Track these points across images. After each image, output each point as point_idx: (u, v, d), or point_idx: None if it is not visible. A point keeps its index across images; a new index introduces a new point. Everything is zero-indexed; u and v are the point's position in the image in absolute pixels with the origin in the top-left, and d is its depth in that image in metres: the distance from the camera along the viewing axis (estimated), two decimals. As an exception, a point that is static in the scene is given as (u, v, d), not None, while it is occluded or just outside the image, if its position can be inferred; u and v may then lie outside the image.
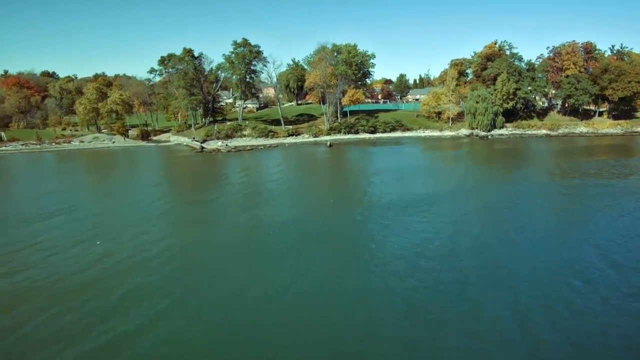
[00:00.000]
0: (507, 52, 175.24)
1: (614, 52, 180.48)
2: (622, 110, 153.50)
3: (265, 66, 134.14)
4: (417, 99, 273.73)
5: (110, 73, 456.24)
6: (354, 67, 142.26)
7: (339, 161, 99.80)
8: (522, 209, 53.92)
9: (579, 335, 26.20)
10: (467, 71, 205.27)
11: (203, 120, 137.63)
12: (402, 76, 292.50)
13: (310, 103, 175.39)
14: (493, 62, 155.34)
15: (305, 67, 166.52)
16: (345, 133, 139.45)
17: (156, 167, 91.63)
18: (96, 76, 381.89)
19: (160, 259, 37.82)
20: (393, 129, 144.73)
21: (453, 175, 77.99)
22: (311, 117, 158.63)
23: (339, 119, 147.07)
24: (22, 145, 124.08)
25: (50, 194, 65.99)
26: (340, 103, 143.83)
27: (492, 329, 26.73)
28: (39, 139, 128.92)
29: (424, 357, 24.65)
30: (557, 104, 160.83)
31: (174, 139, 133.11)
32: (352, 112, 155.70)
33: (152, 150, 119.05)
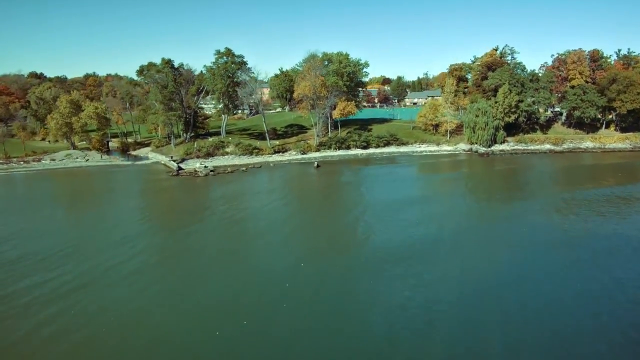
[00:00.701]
0: (509, 58, 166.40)
1: (620, 56, 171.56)
2: (630, 122, 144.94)
3: (250, 77, 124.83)
4: (414, 103, 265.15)
5: (101, 73, 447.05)
6: (346, 77, 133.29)
7: (325, 189, 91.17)
8: (526, 267, 47.66)
9: None
10: (467, 76, 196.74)
11: (184, 135, 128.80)
12: (399, 79, 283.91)
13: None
14: (494, 71, 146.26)
15: (295, 74, 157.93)
16: (335, 149, 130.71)
17: (124, 198, 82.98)
18: (86, 76, 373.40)
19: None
20: (387, 144, 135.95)
21: (453, 213, 69.62)
22: (301, 129, 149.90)
23: (329, 131, 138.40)
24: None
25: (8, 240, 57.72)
26: (331, 115, 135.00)
27: None
28: (6, 158, 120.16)
29: None
30: (561, 116, 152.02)
31: (152, 155, 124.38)
32: (345, 123, 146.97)
33: (126, 171, 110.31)
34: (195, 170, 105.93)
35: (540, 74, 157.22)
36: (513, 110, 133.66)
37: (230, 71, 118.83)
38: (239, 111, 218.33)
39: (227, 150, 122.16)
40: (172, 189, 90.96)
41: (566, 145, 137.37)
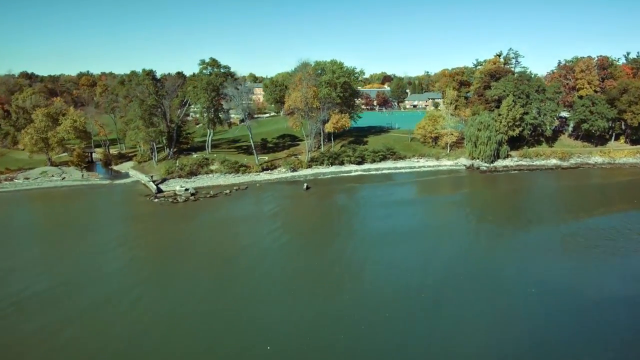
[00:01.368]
0: (513, 63, 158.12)
1: (629, 60, 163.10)
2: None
3: (237, 89, 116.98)
4: (415, 105, 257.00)
5: (96, 71, 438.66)
6: (339, 88, 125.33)
7: (313, 219, 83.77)
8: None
9: None
10: (469, 80, 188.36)
11: (167, 149, 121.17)
12: (399, 80, 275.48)
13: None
14: (497, 80, 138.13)
15: (286, 80, 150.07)
16: (328, 165, 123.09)
17: (90, 232, 75.69)
18: (80, 75, 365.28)
19: None
20: (384, 158, 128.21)
21: (449, 256, 62.91)
22: (293, 140, 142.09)
23: (322, 144, 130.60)
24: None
25: None
26: (324, 129, 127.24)
27: None
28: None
29: None
30: (567, 125, 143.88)
31: (133, 173, 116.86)
32: (339, 134, 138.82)
33: (102, 193, 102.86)
34: (176, 194, 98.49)
35: (546, 81, 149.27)
36: (517, 123, 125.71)
37: (215, 84, 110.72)
38: (232, 116, 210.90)
39: (212, 168, 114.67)
40: (145, 220, 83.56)
41: (573, 160, 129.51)
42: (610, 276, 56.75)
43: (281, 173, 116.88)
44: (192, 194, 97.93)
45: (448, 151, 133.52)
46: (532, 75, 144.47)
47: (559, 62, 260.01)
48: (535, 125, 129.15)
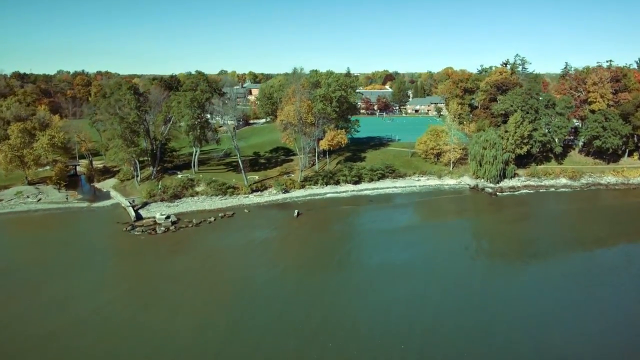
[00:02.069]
0: (520, 70, 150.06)
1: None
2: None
3: (226, 103, 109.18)
4: (416, 110, 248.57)
5: (92, 70, 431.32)
6: (335, 103, 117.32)
7: (303, 254, 76.40)
8: None
9: None
10: (473, 87, 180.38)
11: (151, 168, 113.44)
12: (401, 84, 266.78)
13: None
14: (504, 93, 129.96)
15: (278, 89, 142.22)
16: (323, 184, 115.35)
17: (47, 279, 68.33)
18: (75, 74, 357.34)
19: None
20: (382, 177, 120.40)
21: (449, 307, 55.77)
22: (287, 154, 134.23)
23: (317, 159, 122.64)
24: None
25: None
26: (318, 145, 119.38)
27: None
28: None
29: None
30: (578, 140, 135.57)
31: (114, 194, 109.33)
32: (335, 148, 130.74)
33: (77, 220, 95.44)
34: (156, 221, 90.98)
35: (554, 91, 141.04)
36: (525, 141, 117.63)
37: (200, 100, 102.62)
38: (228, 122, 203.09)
39: (198, 189, 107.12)
40: (118, 259, 76.27)
41: (585, 180, 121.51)
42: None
43: (272, 195, 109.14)
44: (173, 223, 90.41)
45: (451, 168, 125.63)
46: (538, 75, 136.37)
47: (567, 66, 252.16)
48: (544, 142, 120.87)
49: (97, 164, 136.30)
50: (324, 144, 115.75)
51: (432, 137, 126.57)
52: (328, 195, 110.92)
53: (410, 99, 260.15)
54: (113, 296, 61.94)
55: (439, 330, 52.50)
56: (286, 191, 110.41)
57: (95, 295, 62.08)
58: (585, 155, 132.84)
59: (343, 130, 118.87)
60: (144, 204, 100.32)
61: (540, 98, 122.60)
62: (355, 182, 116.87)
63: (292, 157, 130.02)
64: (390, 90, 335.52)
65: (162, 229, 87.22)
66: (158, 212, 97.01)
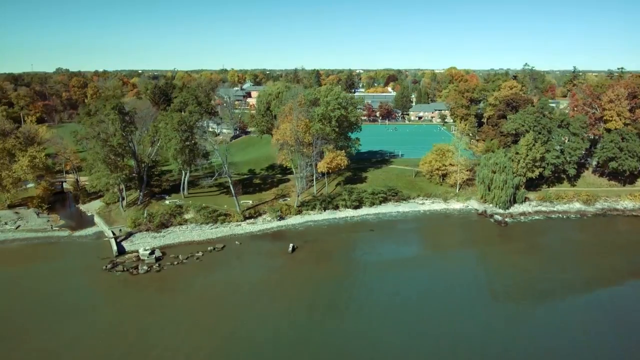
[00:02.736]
0: (529, 83, 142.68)
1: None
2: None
3: (219, 124, 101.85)
4: (420, 117, 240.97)
5: (91, 67, 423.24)
6: (334, 122, 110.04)
7: (297, 299, 69.54)
8: None
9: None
10: (479, 97, 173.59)
11: (138, 192, 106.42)
12: (404, 89, 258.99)
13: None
14: (514, 109, 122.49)
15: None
16: (321, 209, 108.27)
17: (17, 333, 61.82)
18: (70, 75, 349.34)
19: None
20: (384, 200, 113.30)
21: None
22: (284, 173, 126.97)
23: (314, 179, 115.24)
24: None
25: None
26: (316, 169, 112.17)
27: None
28: None
29: None
30: (592, 159, 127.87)
31: (97, 221, 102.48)
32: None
33: (57, 251, 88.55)
34: (139, 257, 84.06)
35: (569, 109, 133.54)
36: (537, 164, 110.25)
37: (189, 122, 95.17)
38: (224, 130, 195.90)
39: (187, 217, 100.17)
40: (91, 307, 69.28)
41: (599, 205, 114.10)
42: None
43: (266, 222, 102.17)
44: (158, 259, 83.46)
45: (457, 190, 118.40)
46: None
47: (575, 70, 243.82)
48: (557, 164, 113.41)
49: (84, 180, 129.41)
50: (322, 167, 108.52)
51: (438, 156, 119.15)
52: (326, 222, 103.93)
53: (414, 104, 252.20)
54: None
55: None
56: (282, 218, 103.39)
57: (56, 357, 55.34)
58: (599, 176, 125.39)
59: (342, 151, 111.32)
60: (128, 235, 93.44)
61: (553, 117, 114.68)
62: (356, 207, 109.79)
63: (288, 178, 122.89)
64: (392, 93, 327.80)
65: (145, 267, 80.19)
66: (143, 244, 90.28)
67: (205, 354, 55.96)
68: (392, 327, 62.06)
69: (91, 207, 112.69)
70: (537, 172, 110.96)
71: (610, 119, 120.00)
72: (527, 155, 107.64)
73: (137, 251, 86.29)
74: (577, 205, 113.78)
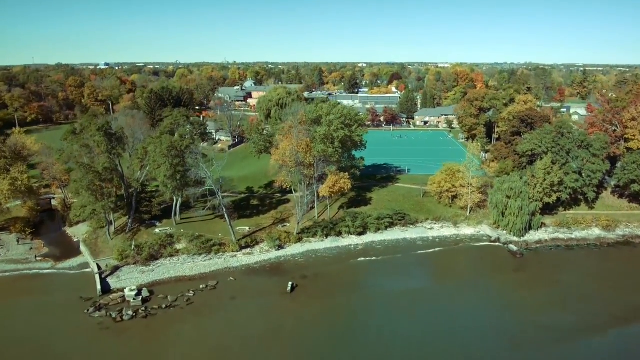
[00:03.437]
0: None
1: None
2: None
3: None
4: (426, 122, 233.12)
5: (92, 61, 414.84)
6: (337, 142, 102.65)
7: (296, 353, 62.68)
8: None
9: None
10: (489, 106, 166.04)
11: (127, 217, 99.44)
12: (409, 92, 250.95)
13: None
14: (529, 126, 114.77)
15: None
16: (323, 236, 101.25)
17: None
18: (67, 74, 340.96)
19: None
20: (391, 224, 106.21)
21: None
22: (284, 193, 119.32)
23: (316, 200, 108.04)
24: None
25: None
26: (318, 193, 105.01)
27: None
28: None
29: None
30: (610, 181, 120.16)
31: (83, 249, 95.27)
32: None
33: (35, 289, 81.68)
34: (124, 298, 77.22)
35: (586, 126, 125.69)
36: (555, 188, 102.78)
37: (179, 147, 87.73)
38: (222, 138, 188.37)
39: (178, 247, 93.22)
40: (65, 358, 62.57)
41: (620, 231, 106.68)
42: None
43: (264, 252, 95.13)
44: (145, 301, 76.61)
45: (468, 213, 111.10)
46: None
47: (585, 73, 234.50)
48: (575, 188, 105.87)
49: (73, 198, 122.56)
50: (324, 191, 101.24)
51: (448, 177, 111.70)
52: (328, 252, 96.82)
53: (419, 108, 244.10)
54: None
55: None
56: (280, 247, 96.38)
57: None
58: (619, 197, 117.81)
59: (346, 173, 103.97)
60: (115, 269, 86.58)
61: (572, 136, 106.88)
62: (360, 234, 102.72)
63: (288, 198, 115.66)
64: (396, 94, 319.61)
65: (130, 313, 73.26)
66: (130, 280, 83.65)
67: None
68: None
69: (78, 232, 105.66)
70: (554, 197, 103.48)
71: (633, 137, 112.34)
72: (545, 179, 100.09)
73: (123, 290, 79.36)
74: (596, 232, 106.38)
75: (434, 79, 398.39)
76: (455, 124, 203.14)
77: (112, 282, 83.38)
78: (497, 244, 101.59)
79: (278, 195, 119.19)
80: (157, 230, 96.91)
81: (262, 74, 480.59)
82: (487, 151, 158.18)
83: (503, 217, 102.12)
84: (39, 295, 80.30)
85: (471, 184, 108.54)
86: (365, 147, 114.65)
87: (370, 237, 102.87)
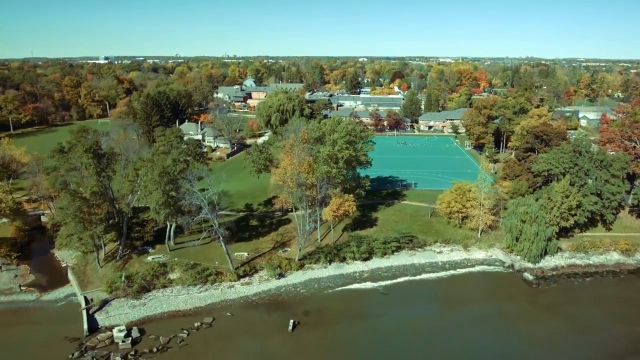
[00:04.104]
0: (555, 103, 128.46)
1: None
2: None
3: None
4: (430, 127, 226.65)
5: (93, 54, 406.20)
6: (341, 163, 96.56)
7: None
8: None
9: None
10: (497, 114, 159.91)
11: (118, 243, 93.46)
12: (412, 94, 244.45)
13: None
14: (544, 141, 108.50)
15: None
16: (326, 262, 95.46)
17: None
18: (63, 74, 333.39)
19: None
20: (398, 248, 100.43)
21: None
22: (285, 212, 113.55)
23: (318, 221, 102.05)
24: None
25: None
26: (321, 216, 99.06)
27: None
28: None
29: None
30: (627, 199, 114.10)
31: (71, 278, 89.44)
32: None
33: (14, 329, 74.67)
34: (113, 340, 71.50)
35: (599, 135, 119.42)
36: (573, 212, 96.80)
37: (172, 172, 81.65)
38: (220, 145, 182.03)
39: (172, 277, 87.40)
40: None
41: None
42: None
43: (263, 281, 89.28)
44: (134, 342, 70.94)
45: (479, 235, 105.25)
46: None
47: (593, 74, 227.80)
48: (593, 211, 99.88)
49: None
50: (327, 214, 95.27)
51: (458, 196, 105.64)
52: (332, 281, 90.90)
53: (423, 113, 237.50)
54: None
55: None
56: (281, 275, 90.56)
57: None
58: (637, 217, 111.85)
59: (351, 195, 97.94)
60: (104, 303, 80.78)
61: (591, 155, 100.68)
62: (366, 259, 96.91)
63: (288, 218, 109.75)
64: (399, 94, 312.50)
65: (118, 358, 67.56)
66: (120, 315, 78.16)
67: None
68: None
69: (67, 256, 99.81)
70: (572, 221, 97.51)
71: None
72: (563, 203, 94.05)
73: (111, 329, 73.63)
74: (615, 256, 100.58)
75: (437, 77, 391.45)
76: (461, 129, 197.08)
77: (101, 318, 77.61)
78: (510, 270, 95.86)
79: (278, 213, 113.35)
80: (149, 258, 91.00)
81: (262, 71, 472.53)
82: (496, 161, 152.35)
83: (517, 241, 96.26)
84: (20, 334, 74.51)
85: (483, 205, 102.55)
86: (371, 165, 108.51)
87: (376, 263, 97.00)
